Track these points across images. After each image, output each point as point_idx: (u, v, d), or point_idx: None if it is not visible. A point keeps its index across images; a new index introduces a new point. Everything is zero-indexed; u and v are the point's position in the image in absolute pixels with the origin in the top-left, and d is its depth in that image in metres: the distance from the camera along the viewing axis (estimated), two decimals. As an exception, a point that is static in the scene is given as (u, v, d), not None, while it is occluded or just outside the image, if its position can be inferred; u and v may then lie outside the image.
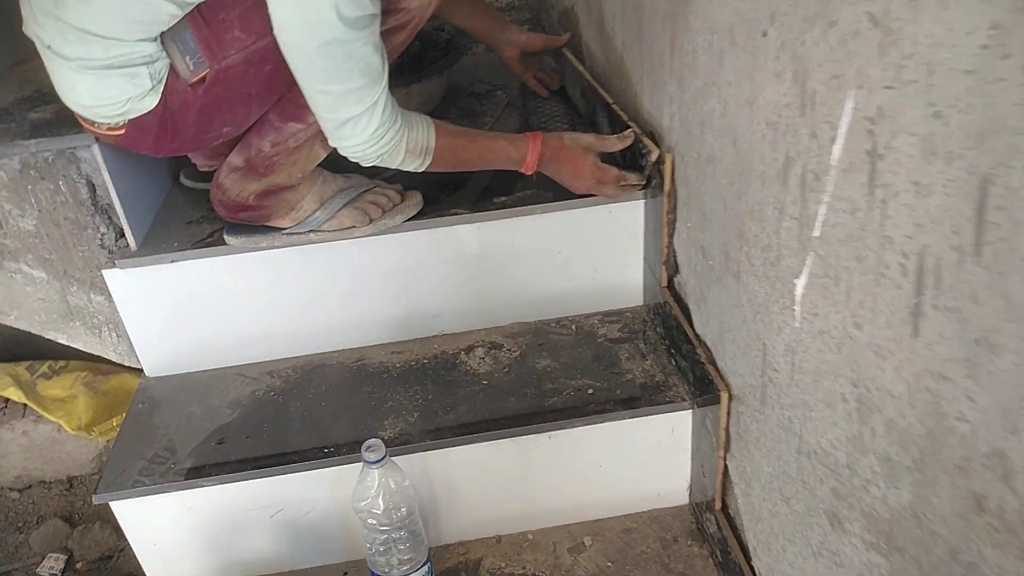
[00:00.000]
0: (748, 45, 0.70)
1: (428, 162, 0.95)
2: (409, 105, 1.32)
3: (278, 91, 0.91)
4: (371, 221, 1.04)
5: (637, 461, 1.05)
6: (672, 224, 1.01)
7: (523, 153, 1.01)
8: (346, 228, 1.03)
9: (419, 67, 1.41)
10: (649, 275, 1.13)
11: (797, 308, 0.69)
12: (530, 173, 1.03)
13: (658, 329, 1.11)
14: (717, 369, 0.91)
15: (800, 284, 0.68)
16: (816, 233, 0.64)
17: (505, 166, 1.02)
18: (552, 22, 1.64)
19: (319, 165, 1.00)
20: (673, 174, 0.98)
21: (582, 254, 1.13)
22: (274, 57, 0.82)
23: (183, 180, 1.22)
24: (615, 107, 1.12)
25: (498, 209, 1.07)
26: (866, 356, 0.59)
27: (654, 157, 0.98)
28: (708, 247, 0.89)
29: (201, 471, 0.97)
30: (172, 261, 1.05)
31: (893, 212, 0.53)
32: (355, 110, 0.85)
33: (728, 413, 0.89)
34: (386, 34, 0.87)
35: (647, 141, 1.01)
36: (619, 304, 1.19)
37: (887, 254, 0.54)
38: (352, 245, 1.06)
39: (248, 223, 1.02)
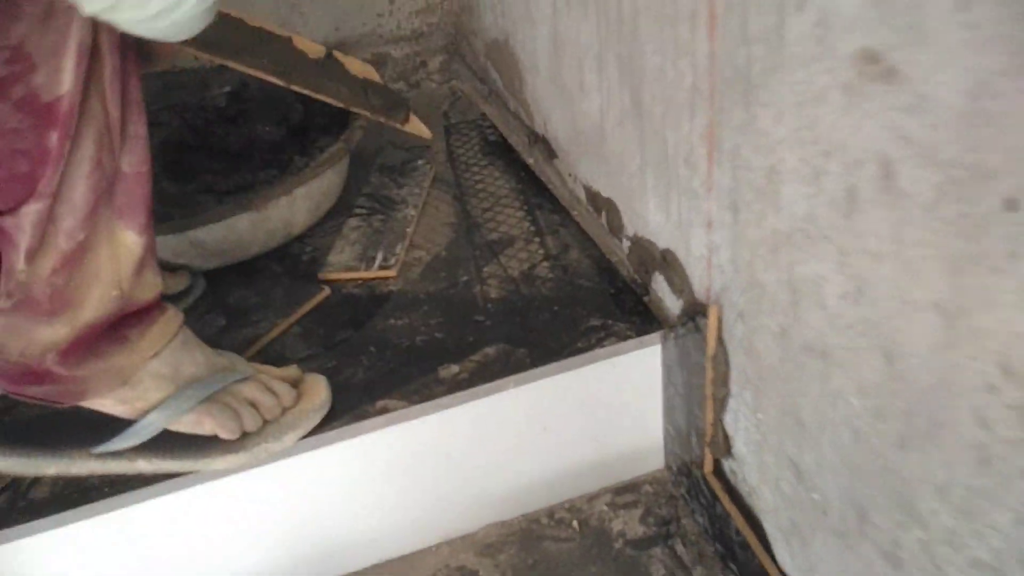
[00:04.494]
0: (946, 209, 0.35)
1: None
2: (295, 220, 0.91)
3: None
4: (244, 433, 0.65)
5: None
6: (721, 400, 0.66)
7: None
8: (205, 437, 0.63)
9: (305, 144, 1.02)
10: (675, 440, 0.78)
11: None
12: None
13: (699, 519, 0.77)
14: (837, 653, 0.57)
15: None
16: None
17: None
18: (475, 54, 1.26)
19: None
20: (721, 332, 0.62)
21: (577, 424, 0.77)
22: None
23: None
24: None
25: (449, 392, 0.70)
26: None
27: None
28: (812, 475, 0.54)
29: None
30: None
31: None
32: None
33: None
34: None
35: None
36: (633, 472, 0.84)
37: None
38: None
39: (43, 401, 0.58)
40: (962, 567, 0.40)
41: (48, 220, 0.49)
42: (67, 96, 0.47)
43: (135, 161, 0.54)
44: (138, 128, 0.54)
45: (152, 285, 0.58)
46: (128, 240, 0.54)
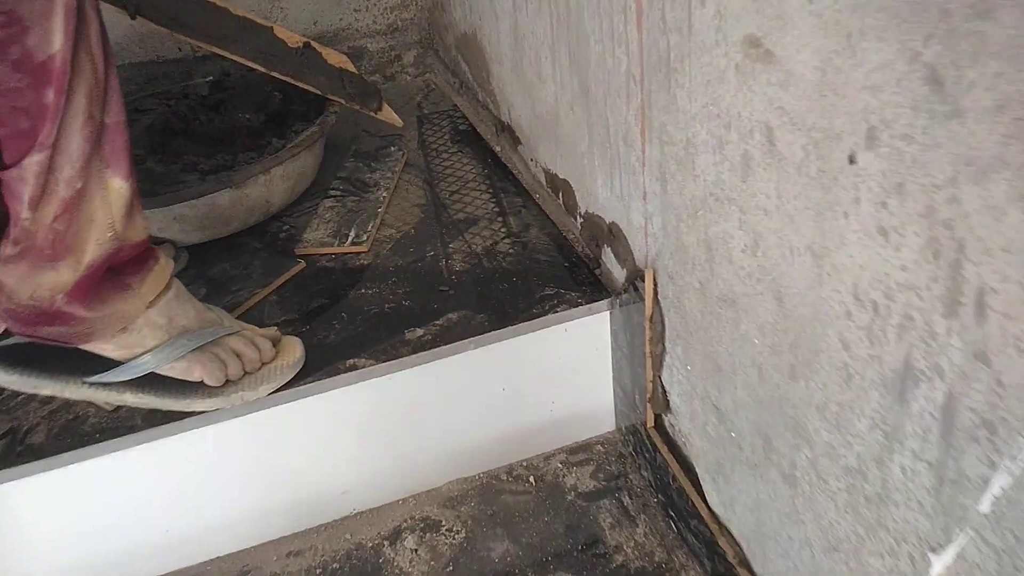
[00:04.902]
0: (810, 166, 0.42)
1: None
2: (273, 198, 0.98)
3: None
4: (227, 381, 0.71)
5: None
6: (659, 357, 0.73)
7: None
8: (192, 382, 0.69)
9: (284, 130, 1.08)
10: (623, 401, 0.85)
11: (934, 593, 0.42)
12: None
13: (644, 473, 0.84)
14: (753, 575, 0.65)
15: (940, 564, 0.41)
16: (984, 508, 0.37)
17: None
18: (447, 48, 1.32)
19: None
20: (656, 294, 0.70)
21: (534, 385, 0.84)
22: None
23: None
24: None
25: (414, 352, 0.77)
26: None
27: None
28: (730, 415, 0.61)
29: None
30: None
31: None
32: None
33: (780, 643, 0.63)
34: None
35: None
36: (586, 434, 0.91)
37: None
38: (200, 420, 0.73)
39: (54, 342, 0.65)
40: (838, 475, 0.48)
41: (48, 171, 0.55)
42: (59, 54, 0.53)
43: (113, 112, 0.60)
44: (114, 81, 0.60)
45: (142, 227, 0.65)
46: (116, 185, 0.61)
